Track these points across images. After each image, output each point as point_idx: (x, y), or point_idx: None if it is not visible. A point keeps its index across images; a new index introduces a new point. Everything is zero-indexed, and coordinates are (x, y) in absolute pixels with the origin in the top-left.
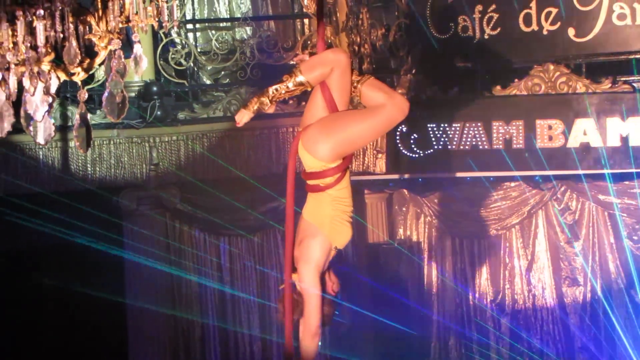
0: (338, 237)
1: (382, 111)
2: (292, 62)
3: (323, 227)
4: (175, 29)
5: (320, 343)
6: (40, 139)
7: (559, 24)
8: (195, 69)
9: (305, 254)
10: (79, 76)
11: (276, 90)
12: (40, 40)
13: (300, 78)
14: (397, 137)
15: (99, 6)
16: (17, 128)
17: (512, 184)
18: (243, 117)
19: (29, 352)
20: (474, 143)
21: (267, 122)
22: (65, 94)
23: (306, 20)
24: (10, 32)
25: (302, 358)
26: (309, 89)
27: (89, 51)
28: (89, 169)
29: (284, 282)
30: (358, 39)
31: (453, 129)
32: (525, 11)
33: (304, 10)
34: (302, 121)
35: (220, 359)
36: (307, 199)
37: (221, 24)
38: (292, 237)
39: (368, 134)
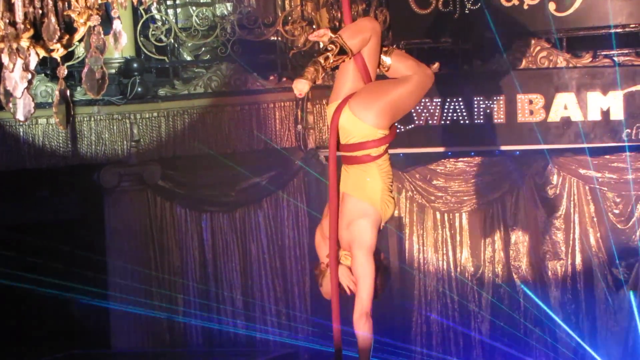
0: (387, 212)
1: (416, 78)
2: (312, 38)
3: (375, 202)
4: (155, 5)
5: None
6: (20, 116)
7: None
8: (176, 45)
9: (358, 236)
10: (58, 52)
11: (326, 59)
12: (19, 16)
13: (344, 46)
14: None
15: None
16: None
17: (493, 159)
18: (304, 87)
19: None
20: (454, 118)
21: (247, 98)
22: (45, 71)
23: None
24: None
25: (360, 340)
26: (349, 59)
27: (68, 27)
28: (70, 145)
29: (331, 270)
30: (339, 15)
31: (434, 104)
32: None
33: None
34: (333, 93)
35: (203, 333)
36: (344, 175)
37: (201, 0)
38: (336, 218)
39: (411, 99)
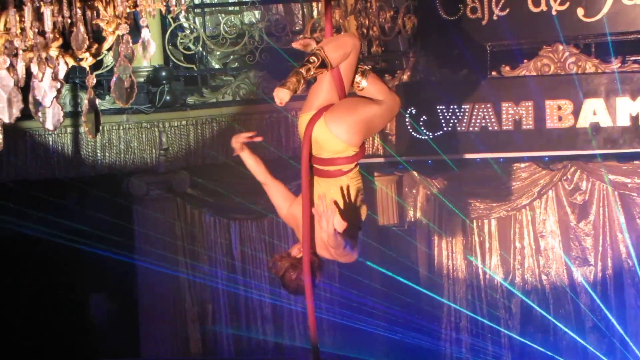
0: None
1: (387, 102)
2: (295, 46)
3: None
4: (184, 13)
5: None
6: (49, 125)
7: (568, 4)
8: (204, 54)
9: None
10: (87, 61)
11: (308, 70)
12: (48, 25)
13: (325, 60)
14: (407, 119)
15: None
16: (25, 114)
17: (522, 165)
18: (285, 96)
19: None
20: (483, 124)
21: (275, 105)
22: (75, 80)
23: (314, 4)
24: (17, 18)
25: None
26: (327, 71)
27: (96, 36)
28: (99, 154)
29: (304, 272)
30: (367, 22)
31: (462, 110)
32: None
33: None
34: (307, 104)
35: (232, 341)
36: (316, 185)
37: (230, 8)
38: (308, 230)
39: (382, 121)
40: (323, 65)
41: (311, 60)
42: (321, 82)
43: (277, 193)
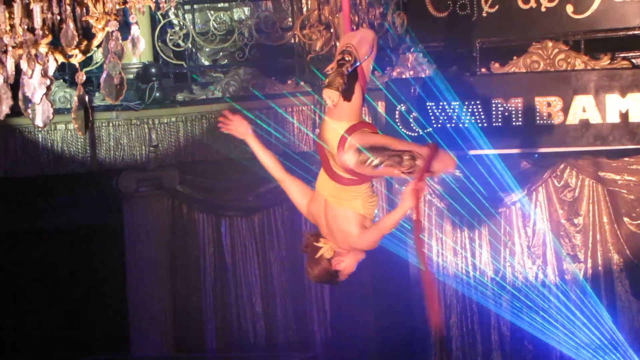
0: (371, 210)
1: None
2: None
3: (357, 208)
4: (173, 10)
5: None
6: (39, 122)
7: (557, 0)
8: (194, 50)
9: (349, 242)
10: (77, 58)
11: (347, 69)
12: (37, 22)
13: (357, 57)
14: (397, 116)
15: None
16: (15, 111)
17: (512, 162)
18: (336, 98)
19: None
20: (472, 121)
21: (265, 102)
22: (64, 77)
23: (303, 0)
24: (7, 15)
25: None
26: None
27: (86, 33)
28: (88, 151)
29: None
30: (356, 18)
31: (452, 107)
32: None
33: None
34: (335, 109)
35: (222, 338)
36: (325, 179)
37: (219, 5)
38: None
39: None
40: (354, 63)
41: (347, 59)
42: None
43: (295, 190)
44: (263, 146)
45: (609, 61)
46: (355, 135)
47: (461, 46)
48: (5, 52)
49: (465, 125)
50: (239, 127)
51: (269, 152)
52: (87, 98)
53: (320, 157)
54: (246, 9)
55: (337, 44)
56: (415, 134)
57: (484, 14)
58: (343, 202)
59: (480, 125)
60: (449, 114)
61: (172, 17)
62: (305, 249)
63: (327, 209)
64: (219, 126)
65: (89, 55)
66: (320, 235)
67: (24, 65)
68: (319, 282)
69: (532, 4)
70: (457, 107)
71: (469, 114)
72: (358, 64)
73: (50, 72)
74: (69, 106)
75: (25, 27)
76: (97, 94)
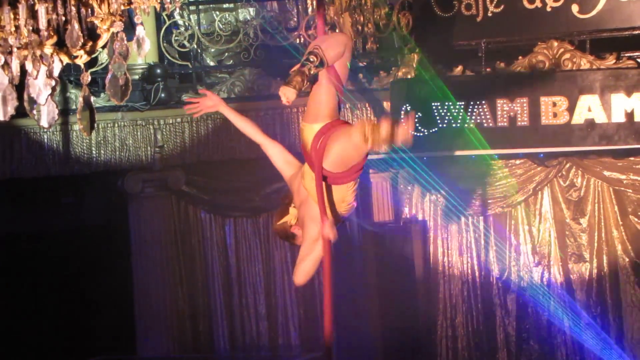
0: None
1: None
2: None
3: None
4: (178, 10)
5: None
6: (44, 123)
7: (562, 0)
8: (199, 51)
9: (309, 239)
10: (82, 59)
11: (309, 70)
12: (42, 23)
13: (323, 59)
14: (402, 116)
15: None
16: (20, 112)
17: (517, 162)
18: (292, 96)
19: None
20: (478, 121)
21: (270, 103)
22: (69, 78)
23: (309, 0)
24: (12, 16)
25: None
26: (324, 69)
27: (91, 34)
28: (94, 152)
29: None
30: (361, 19)
31: (457, 107)
32: None
33: None
34: (311, 113)
35: (227, 338)
36: (307, 171)
37: (224, 5)
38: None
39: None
40: (321, 64)
41: (311, 60)
42: (319, 87)
43: (277, 154)
44: (237, 113)
45: (614, 61)
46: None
47: (466, 46)
48: (11, 53)
49: (471, 125)
50: (207, 102)
51: (244, 117)
52: (92, 99)
53: (306, 159)
54: (251, 10)
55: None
56: (421, 134)
57: (490, 14)
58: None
59: (485, 125)
60: (454, 114)
61: (177, 17)
62: (282, 200)
63: (304, 200)
64: (188, 114)
65: (94, 56)
66: (289, 195)
67: (29, 66)
68: (277, 234)
69: (538, 3)
70: (462, 107)
71: (474, 113)
72: (323, 66)
73: (55, 73)
74: (74, 107)
75: (31, 28)
76: (102, 95)
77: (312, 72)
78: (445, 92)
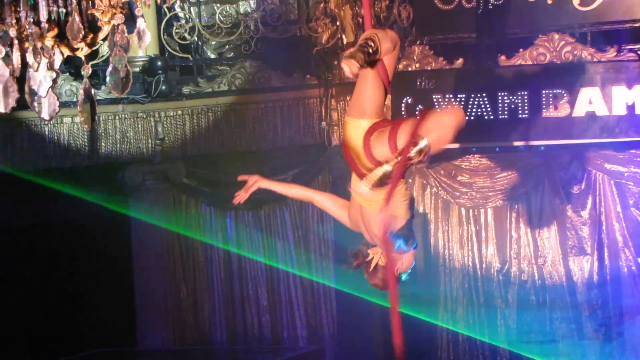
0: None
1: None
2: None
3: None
4: (179, 3)
5: None
6: (45, 115)
7: None
8: (200, 43)
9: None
10: (83, 51)
11: (371, 50)
12: (43, 15)
13: (378, 48)
14: (403, 109)
15: None
16: (21, 104)
17: (518, 154)
18: (356, 70)
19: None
20: (479, 114)
21: (271, 95)
22: (70, 70)
23: None
24: (12, 8)
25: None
26: (377, 59)
27: (92, 26)
28: (94, 144)
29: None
30: (362, 11)
31: (458, 99)
32: None
33: None
34: (357, 107)
35: (228, 331)
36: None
37: None
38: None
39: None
40: (376, 52)
41: (370, 44)
42: (366, 81)
43: (329, 203)
44: (278, 182)
45: (615, 53)
46: (374, 138)
47: (467, 39)
48: (11, 45)
49: (472, 118)
50: (249, 183)
51: (287, 183)
52: (93, 91)
53: (347, 160)
54: (252, 2)
55: (344, 37)
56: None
57: (490, 6)
58: (374, 205)
59: (486, 117)
60: (455, 106)
61: (178, 10)
62: (357, 265)
63: (362, 213)
64: (236, 203)
65: (94, 48)
66: (362, 249)
67: (29, 58)
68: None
69: None
70: (463, 99)
71: (475, 106)
72: (377, 54)
73: (57, 65)
74: (74, 99)
75: (31, 20)
76: (103, 87)
77: (372, 54)
78: None
